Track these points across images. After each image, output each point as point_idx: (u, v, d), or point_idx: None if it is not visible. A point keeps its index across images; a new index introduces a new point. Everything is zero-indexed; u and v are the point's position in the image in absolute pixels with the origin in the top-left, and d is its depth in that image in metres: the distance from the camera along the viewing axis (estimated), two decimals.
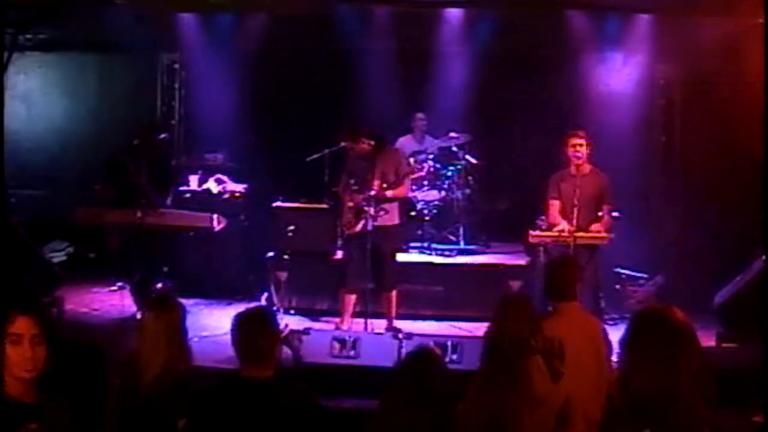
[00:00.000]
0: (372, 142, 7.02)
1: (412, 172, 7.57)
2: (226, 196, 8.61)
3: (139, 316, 6.55)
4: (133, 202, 7.02)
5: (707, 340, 6.35)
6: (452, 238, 8.87)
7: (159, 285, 7.26)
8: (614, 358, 3.52)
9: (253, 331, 3.37)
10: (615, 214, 6.97)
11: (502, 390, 3.56)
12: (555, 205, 6.97)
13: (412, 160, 8.68)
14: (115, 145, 7.63)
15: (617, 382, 2.81)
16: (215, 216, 7.02)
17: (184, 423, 3.50)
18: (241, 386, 3.35)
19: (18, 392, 2.75)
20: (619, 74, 9.26)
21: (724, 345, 6.62)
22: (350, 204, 7.07)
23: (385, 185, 6.95)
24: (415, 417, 3.11)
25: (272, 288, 7.91)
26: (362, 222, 6.93)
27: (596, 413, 4.02)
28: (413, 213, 8.78)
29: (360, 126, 7.22)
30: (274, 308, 7.69)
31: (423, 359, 3.37)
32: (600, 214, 6.87)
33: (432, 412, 3.13)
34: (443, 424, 3.15)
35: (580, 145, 6.78)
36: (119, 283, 8.51)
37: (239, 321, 3.43)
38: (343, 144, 7.31)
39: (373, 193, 6.93)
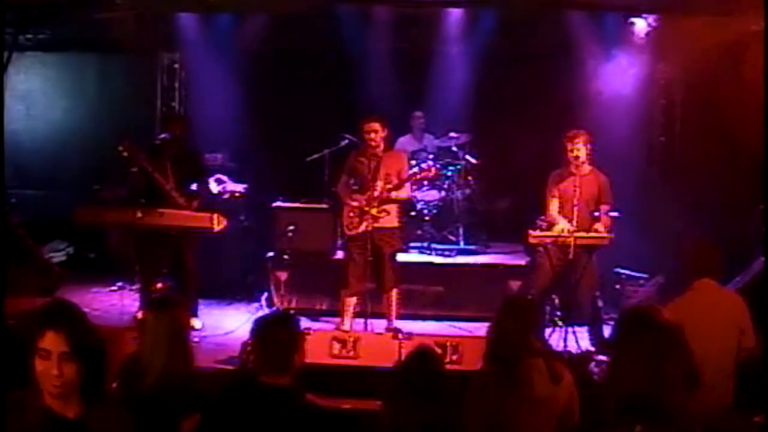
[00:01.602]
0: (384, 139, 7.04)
1: (421, 176, 7.49)
2: (226, 196, 8.60)
3: (139, 315, 6.54)
4: (157, 201, 6.89)
5: None
6: (452, 238, 8.87)
7: (159, 285, 7.24)
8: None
9: (278, 337, 3.33)
10: (614, 213, 6.97)
11: (502, 391, 3.55)
12: (553, 203, 6.98)
13: (413, 161, 8.70)
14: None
15: (607, 380, 2.84)
16: (215, 216, 7.01)
17: (187, 423, 3.49)
18: (259, 393, 3.30)
19: (57, 406, 2.64)
20: (619, 74, 9.26)
21: None
22: (354, 204, 7.03)
23: (388, 186, 6.94)
24: (417, 417, 3.10)
25: (272, 288, 7.91)
26: (365, 223, 6.91)
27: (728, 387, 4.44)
28: (413, 213, 8.78)
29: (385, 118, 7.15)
30: (275, 308, 7.71)
31: (424, 359, 3.36)
32: (597, 214, 6.87)
33: (433, 413, 3.12)
34: (445, 424, 3.15)
35: (578, 149, 6.79)
36: (119, 283, 8.52)
37: (262, 326, 3.39)
38: (367, 131, 6.96)
39: (377, 193, 6.92)
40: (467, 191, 9.02)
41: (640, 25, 8.87)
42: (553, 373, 3.62)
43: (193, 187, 7.16)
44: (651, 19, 8.79)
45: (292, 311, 7.73)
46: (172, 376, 3.74)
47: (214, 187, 8.71)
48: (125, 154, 6.81)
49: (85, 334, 2.66)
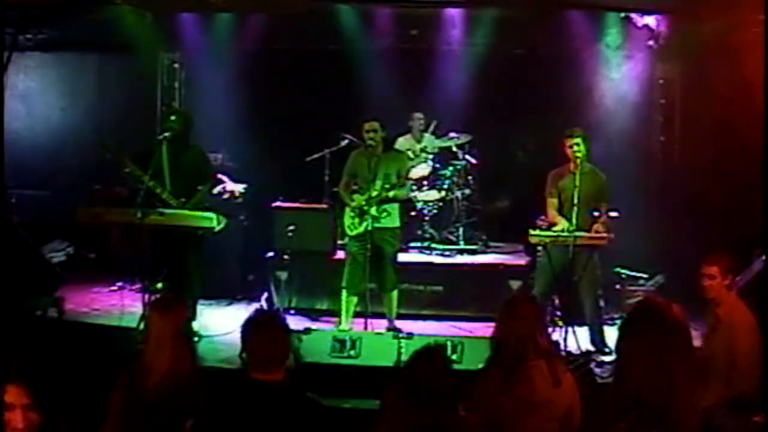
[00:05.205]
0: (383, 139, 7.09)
1: (418, 176, 7.54)
2: (226, 196, 8.59)
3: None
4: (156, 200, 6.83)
5: None
6: (452, 238, 8.87)
7: (159, 285, 7.24)
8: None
9: (265, 334, 3.35)
10: (614, 213, 6.97)
11: (503, 392, 3.53)
12: (552, 203, 6.98)
13: (412, 154, 8.70)
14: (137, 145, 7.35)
15: (614, 375, 2.81)
16: (215, 216, 7.00)
17: (191, 424, 3.48)
18: (251, 389, 3.31)
19: None
20: (619, 74, 9.26)
21: None
22: (353, 204, 7.07)
23: (387, 186, 6.96)
24: (419, 416, 3.09)
25: (272, 288, 7.91)
26: (365, 223, 6.94)
27: None
28: (413, 213, 8.78)
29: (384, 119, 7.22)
30: (275, 308, 7.70)
31: (428, 358, 3.34)
32: (597, 213, 6.87)
33: (436, 412, 3.11)
34: (446, 424, 3.13)
35: (578, 144, 6.81)
36: (119, 283, 8.52)
37: (250, 324, 3.40)
38: (367, 130, 7.05)
39: (375, 193, 6.94)
40: (467, 191, 9.02)
41: (641, 25, 8.87)
42: (555, 375, 3.59)
43: (199, 187, 7.10)
44: (651, 19, 8.79)
45: (292, 311, 7.75)
46: (176, 376, 3.74)
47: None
48: (108, 156, 6.80)
49: (44, 379, 2.84)
